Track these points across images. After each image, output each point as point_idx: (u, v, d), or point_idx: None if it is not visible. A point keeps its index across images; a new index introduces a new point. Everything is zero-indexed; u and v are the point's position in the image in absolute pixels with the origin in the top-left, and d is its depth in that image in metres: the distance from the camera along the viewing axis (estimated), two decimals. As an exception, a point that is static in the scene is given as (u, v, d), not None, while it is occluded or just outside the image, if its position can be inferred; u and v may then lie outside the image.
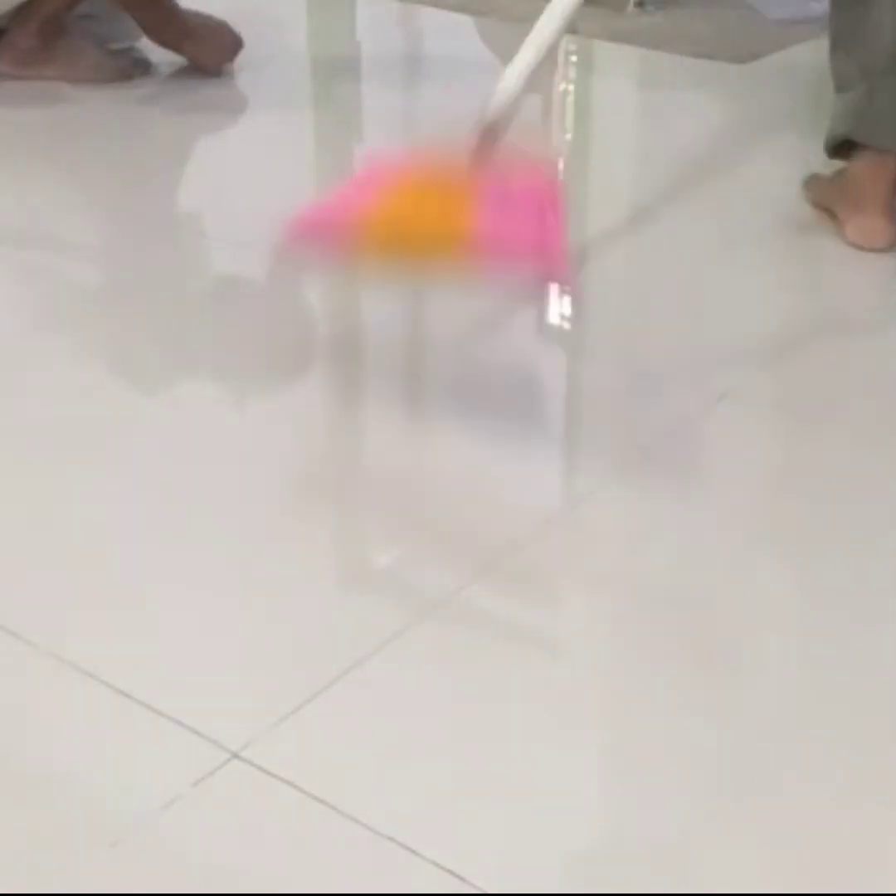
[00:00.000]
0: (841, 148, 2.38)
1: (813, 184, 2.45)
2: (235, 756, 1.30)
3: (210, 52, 3.01)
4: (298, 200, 1.91)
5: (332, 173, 2.75)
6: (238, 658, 1.43)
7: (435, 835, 1.22)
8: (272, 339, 2.05)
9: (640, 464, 1.75)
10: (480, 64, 3.19)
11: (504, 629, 1.49)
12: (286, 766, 1.29)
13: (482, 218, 1.74)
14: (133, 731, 1.34)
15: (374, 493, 1.77)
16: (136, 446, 1.78)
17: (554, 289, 1.82)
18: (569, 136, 2.95)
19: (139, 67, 3.04)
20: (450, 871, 1.19)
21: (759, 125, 2.82)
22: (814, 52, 3.13)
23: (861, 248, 2.27)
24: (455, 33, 3.39)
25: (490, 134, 1.83)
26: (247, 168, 2.64)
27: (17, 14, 2.94)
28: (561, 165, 2.19)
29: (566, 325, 2.20)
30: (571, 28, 3.23)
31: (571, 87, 3.18)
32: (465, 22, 3.40)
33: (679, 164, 2.64)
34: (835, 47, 2.41)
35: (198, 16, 3.04)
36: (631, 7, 3.43)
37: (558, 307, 2.23)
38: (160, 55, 3.04)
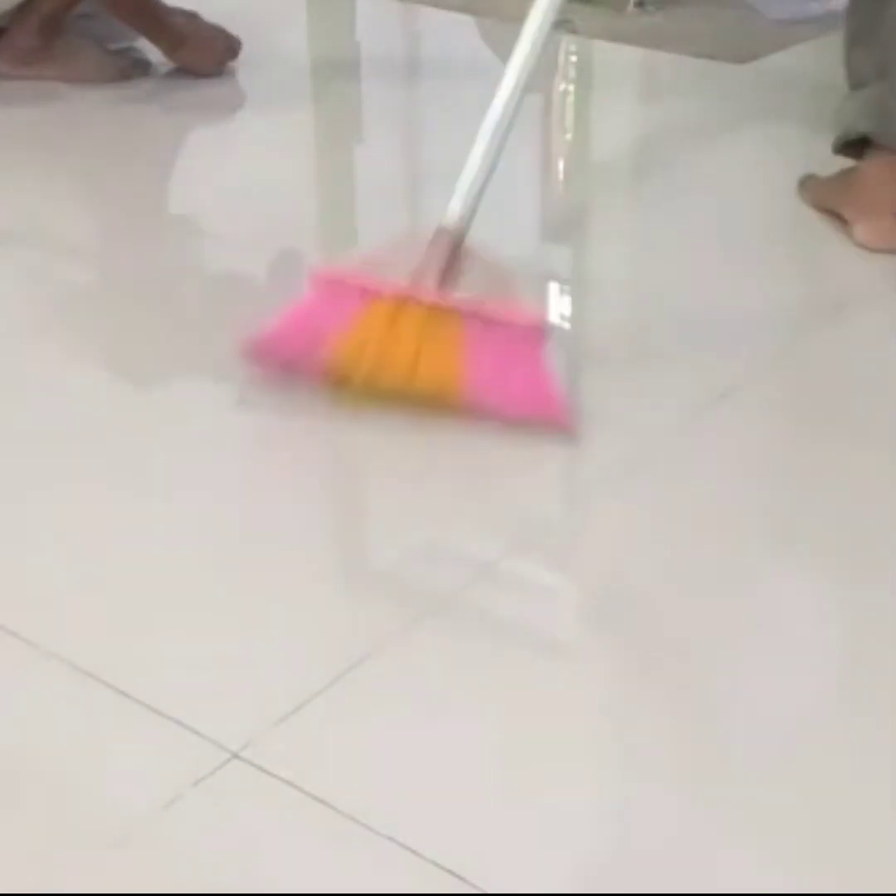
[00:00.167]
0: (852, 146, 2.34)
1: (811, 185, 2.43)
2: (235, 756, 1.30)
3: (204, 60, 3.01)
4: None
5: (332, 173, 2.75)
6: (238, 658, 1.43)
7: (435, 835, 1.22)
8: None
9: (640, 463, 1.75)
10: (481, 64, 3.19)
11: (504, 629, 1.49)
12: (286, 766, 1.29)
13: (466, 356, 1.67)
14: (133, 731, 1.34)
15: (373, 493, 1.77)
16: (134, 446, 1.78)
17: (555, 432, 1.71)
18: (569, 136, 2.95)
19: (138, 67, 3.04)
20: (450, 871, 1.19)
21: (759, 125, 2.82)
22: (814, 52, 3.14)
23: (872, 249, 2.24)
24: (455, 33, 3.39)
25: (455, 249, 1.75)
26: (246, 168, 2.64)
27: (17, 13, 2.94)
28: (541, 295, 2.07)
29: (566, 326, 2.20)
30: (571, 28, 3.24)
31: (571, 87, 3.18)
32: (465, 22, 3.40)
33: (679, 163, 2.64)
34: (852, 43, 2.36)
35: (191, 23, 3.03)
36: (631, 7, 3.43)
37: (557, 306, 2.23)
38: (159, 55, 3.04)
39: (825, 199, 2.37)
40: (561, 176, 2.80)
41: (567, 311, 2.27)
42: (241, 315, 2.05)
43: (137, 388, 1.97)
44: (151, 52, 3.06)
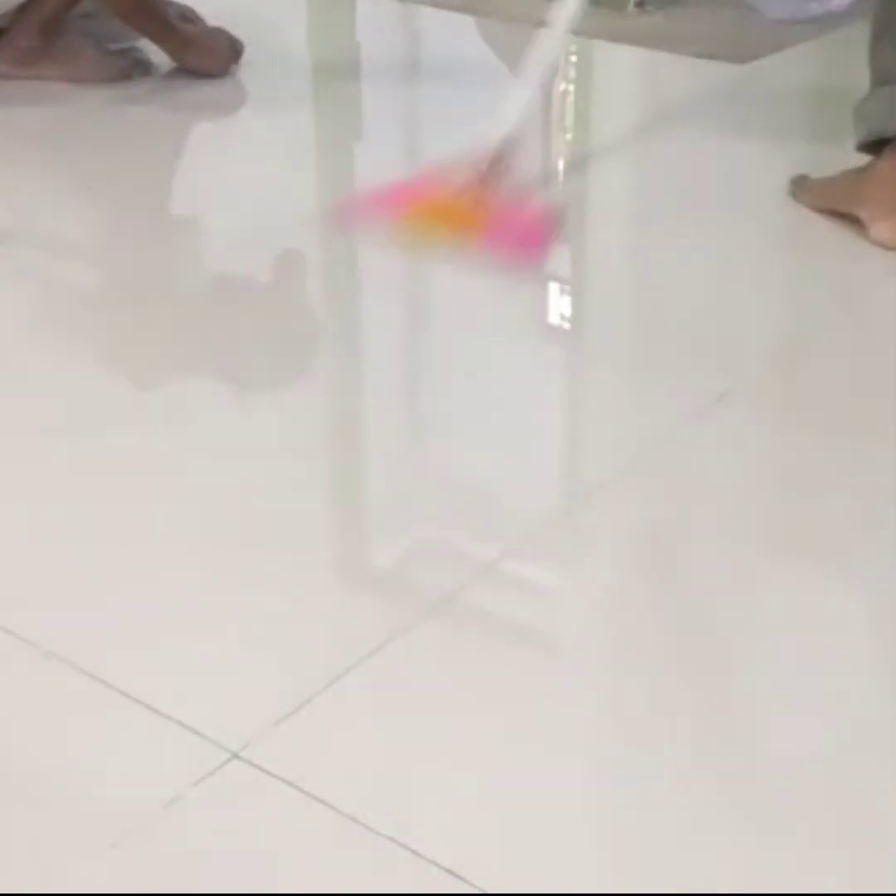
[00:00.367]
0: (870, 144, 2.30)
1: (809, 186, 2.40)
2: (235, 756, 1.30)
3: (209, 62, 3.01)
4: (302, 199, 2.23)
5: (332, 173, 2.75)
6: (238, 658, 1.43)
7: (435, 835, 1.22)
8: (272, 338, 2.05)
9: (640, 464, 1.75)
10: (481, 64, 3.20)
11: (504, 629, 1.49)
12: (286, 766, 1.29)
13: (487, 221, 2.10)
14: (133, 731, 1.34)
15: (374, 493, 1.77)
16: (135, 446, 1.78)
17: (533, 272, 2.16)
18: (569, 136, 2.95)
19: (139, 67, 3.04)
20: (450, 871, 1.19)
21: (758, 125, 2.82)
22: (814, 52, 3.14)
23: (891, 247, 2.20)
24: (455, 33, 3.39)
25: (496, 161, 2.10)
26: (246, 168, 2.64)
27: (18, 14, 2.94)
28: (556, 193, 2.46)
29: (566, 325, 2.21)
30: (571, 28, 3.24)
31: (571, 87, 3.18)
32: (465, 22, 3.40)
33: (679, 163, 2.64)
34: (877, 38, 2.32)
35: (195, 26, 3.04)
36: (631, 7, 3.43)
37: (557, 306, 2.23)
38: (160, 55, 3.04)
39: (832, 199, 2.34)
40: (561, 176, 2.80)
41: (567, 311, 2.27)
42: (241, 314, 2.05)
43: (137, 387, 1.97)
44: (152, 52, 3.06)
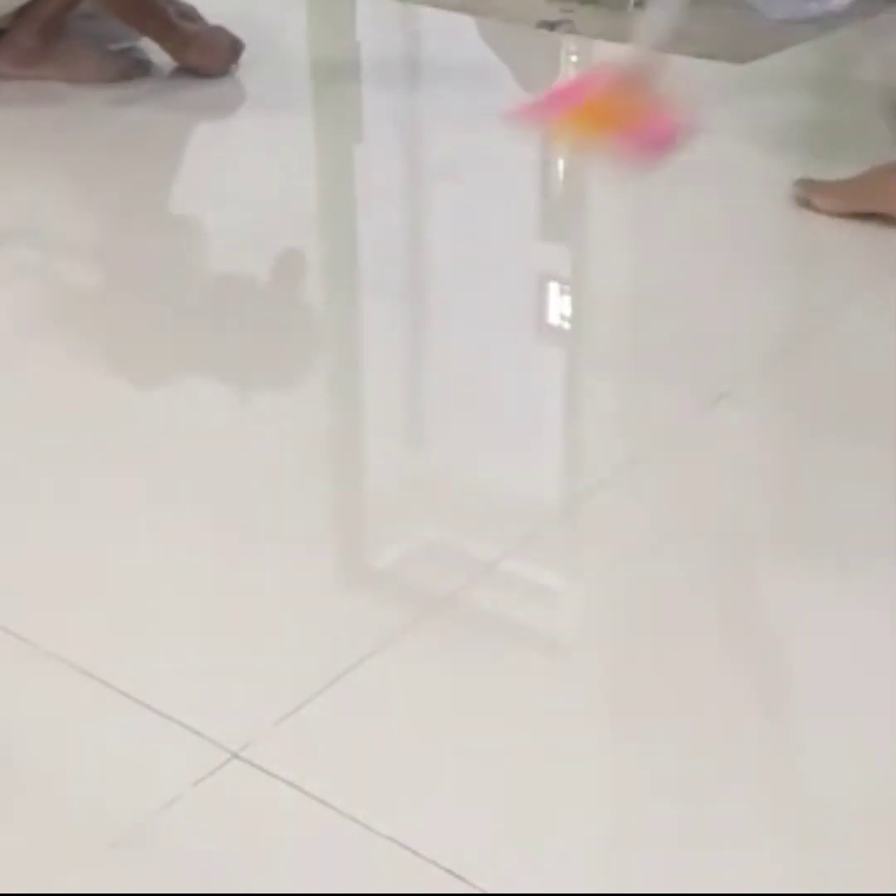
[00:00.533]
0: None
1: (824, 189, 2.36)
2: (235, 756, 1.30)
3: (211, 60, 3.02)
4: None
5: (331, 173, 2.75)
6: (238, 658, 1.43)
7: (435, 835, 1.22)
8: (273, 338, 2.05)
9: (640, 464, 1.75)
10: (481, 64, 3.20)
11: (504, 629, 1.49)
12: (286, 766, 1.29)
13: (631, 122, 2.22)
14: (133, 731, 1.34)
15: (374, 493, 1.77)
16: (135, 445, 1.78)
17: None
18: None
19: (139, 67, 3.04)
20: (450, 871, 1.19)
21: (758, 125, 2.81)
22: (814, 52, 3.14)
23: None
24: (455, 34, 3.39)
25: (642, 68, 2.19)
26: (246, 167, 2.64)
27: (18, 14, 2.94)
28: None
29: (566, 325, 2.21)
30: (571, 28, 3.25)
31: (571, 88, 3.18)
32: (465, 22, 3.40)
33: (678, 164, 2.63)
34: None
35: (195, 23, 3.05)
36: (631, 7, 3.42)
37: (558, 306, 2.23)
38: (160, 55, 3.04)
39: (858, 200, 2.30)
40: (561, 176, 2.80)
41: (567, 311, 2.27)
42: (241, 314, 2.05)
43: (138, 387, 1.97)
44: (153, 52, 3.06)
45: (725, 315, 2.12)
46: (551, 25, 3.28)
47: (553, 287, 2.32)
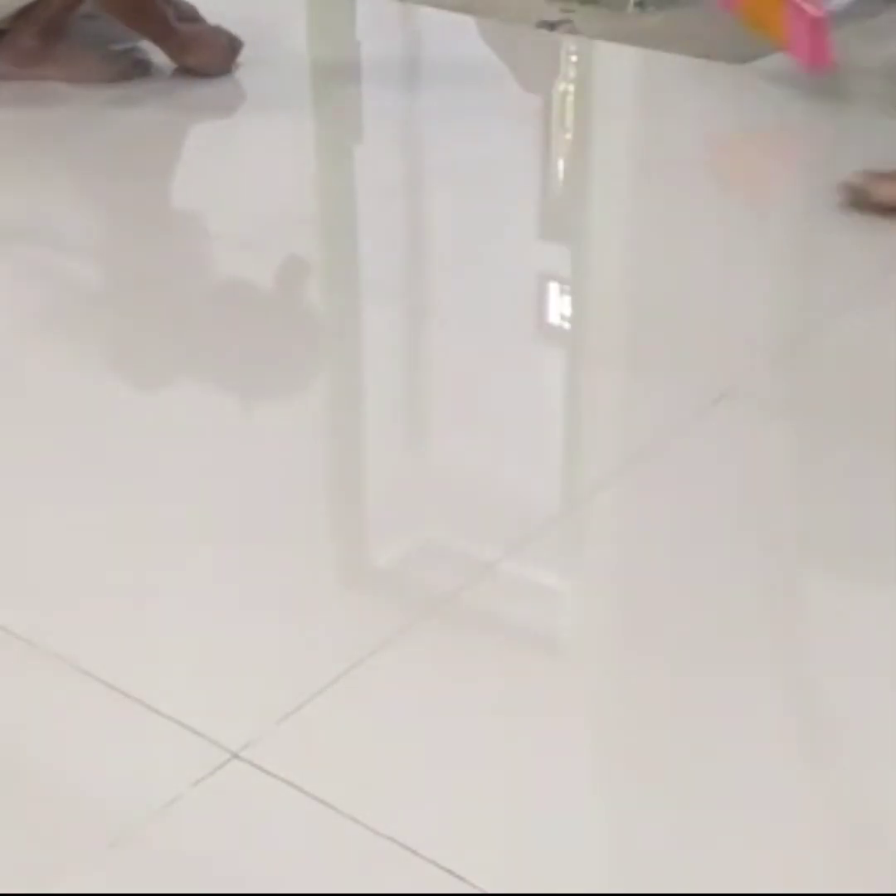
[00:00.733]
0: None
1: (882, 178, 2.31)
2: (235, 756, 1.30)
3: (210, 61, 3.02)
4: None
5: (331, 173, 2.75)
6: (238, 658, 1.43)
7: (435, 835, 1.22)
8: (273, 338, 2.05)
9: (640, 464, 1.75)
10: (481, 64, 3.20)
11: (504, 629, 1.49)
12: (286, 766, 1.29)
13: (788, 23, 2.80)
14: (133, 731, 1.34)
15: (374, 493, 1.77)
16: (136, 446, 1.78)
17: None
18: (569, 136, 2.95)
19: (139, 68, 3.04)
20: (450, 871, 1.19)
21: (758, 125, 2.82)
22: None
23: None
24: (455, 34, 3.38)
25: None
26: (246, 168, 2.64)
27: (19, 15, 2.94)
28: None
29: (566, 325, 2.21)
30: (571, 28, 3.24)
31: (571, 87, 3.18)
32: (465, 22, 3.40)
33: (679, 163, 2.64)
34: None
35: (193, 24, 3.05)
36: (631, 7, 3.43)
37: (558, 306, 2.23)
38: (160, 56, 3.04)
39: None
40: (561, 176, 2.80)
41: (567, 311, 2.27)
42: (241, 314, 2.05)
43: (139, 387, 1.97)
44: (153, 52, 3.06)
45: (726, 314, 2.12)
46: (551, 25, 3.28)
47: (553, 287, 2.32)
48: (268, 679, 1.40)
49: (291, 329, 2.12)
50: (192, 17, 3.10)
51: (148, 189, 2.60)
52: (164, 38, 2.99)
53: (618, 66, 3.27)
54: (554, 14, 3.32)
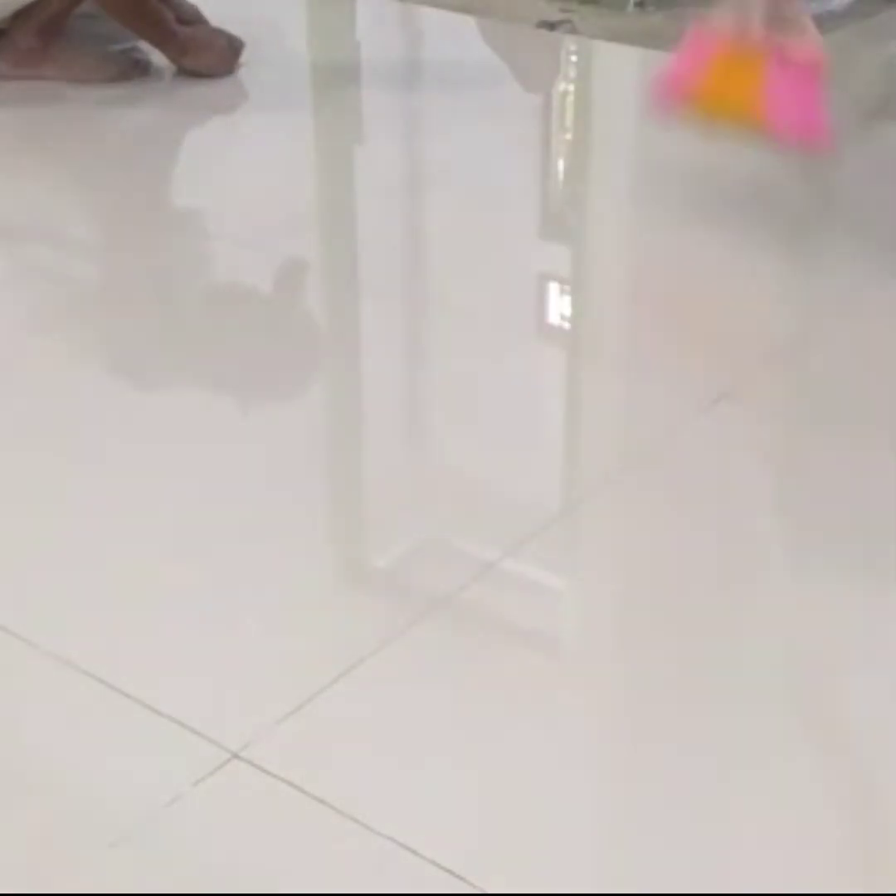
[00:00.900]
0: None
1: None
2: (235, 756, 1.30)
3: (212, 63, 3.02)
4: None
5: (332, 174, 2.75)
6: (238, 658, 1.43)
7: (435, 835, 1.22)
8: (272, 337, 2.05)
9: (640, 463, 1.75)
10: (482, 65, 3.19)
11: (504, 629, 1.49)
12: (286, 766, 1.29)
13: (767, 88, 2.16)
14: (133, 731, 1.34)
15: (374, 493, 1.77)
16: (135, 446, 1.78)
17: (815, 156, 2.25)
18: (569, 136, 2.95)
19: (138, 68, 3.04)
20: (450, 871, 1.19)
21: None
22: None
23: None
24: (456, 34, 3.38)
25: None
26: (246, 168, 2.64)
27: (18, 15, 2.94)
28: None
29: (566, 325, 2.21)
30: (571, 28, 3.24)
31: (571, 87, 3.18)
32: (465, 22, 3.40)
33: (679, 164, 2.63)
34: None
35: (193, 27, 3.05)
36: (631, 7, 3.43)
37: (557, 306, 2.23)
38: (161, 56, 3.04)
39: None
40: (561, 176, 2.80)
41: (567, 311, 2.27)
42: (241, 314, 2.05)
43: (138, 387, 1.97)
44: (153, 52, 3.06)
45: (725, 315, 2.12)
46: (551, 25, 3.28)
47: (553, 287, 2.32)
48: (268, 679, 1.40)
49: (291, 328, 2.12)
50: (195, 18, 3.10)
51: (147, 189, 2.60)
52: (164, 41, 2.99)
53: (618, 66, 3.27)
54: (554, 14, 3.32)
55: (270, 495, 1.69)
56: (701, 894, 1.17)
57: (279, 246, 2.33)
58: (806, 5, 3.07)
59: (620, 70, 3.27)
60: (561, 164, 2.86)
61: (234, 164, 2.69)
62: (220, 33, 3.05)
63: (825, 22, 3.18)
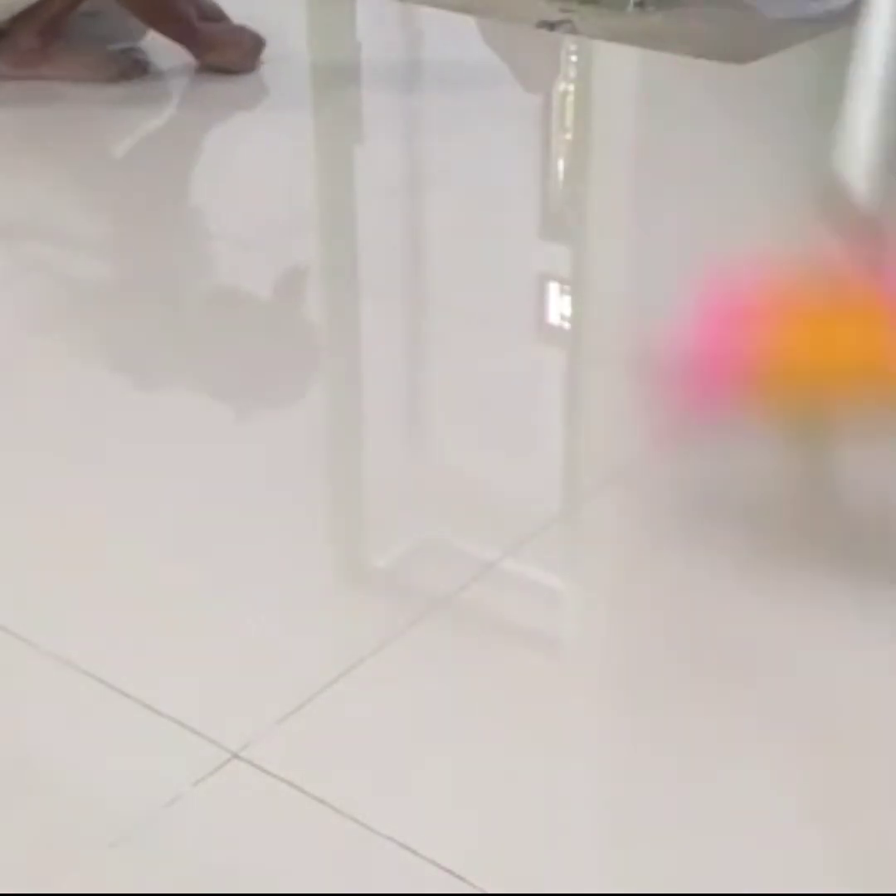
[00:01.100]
0: None
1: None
2: (235, 756, 1.30)
3: (233, 59, 3.03)
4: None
5: (333, 174, 2.75)
6: (238, 658, 1.43)
7: (435, 835, 1.22)
8: (272, 337, 2.05)
9: (640, 463, 1.75)
10: (482, 65, 3.20)
11: (504, 629, 1.49)
12: (286, 766, 1.29)
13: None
14: (133, 731, 1.34)
15: (374, 493, 1.77)
16: (135, 446, 1.78)
17: None
18: (569, 136, 2.95)
19: (139, 67, 3.04)
20: (450, 871, 1.19)
21: (759, 125, 2.81)
22: (814, 52, 3.14)
23: None
24: (456, 34, 3.39)
25: (870, 232, 1.56)
26: (247, 167, 2.64)
27: (19, 15, 2.94)
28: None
29: (566, 325, 2.21)
30: (571, 28, 3.24)
31: (571, 87, 3.18)
32: (465, 22, 3.40)
33: (679, 164, 2.64)
34: None
35: (215, 25, 3.07)
36: (631, 7, 3.43)
37: (557, 306, 2.23)
38: (160, 56, 3.04)
39: None
40: (561, 176, 2.80)
41: (567, 311, 2.27)
42: (241, 314, 2.04)
43: (138, 387, 1.97)
44: (152, 52, 3.07)
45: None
46: (551, 25, 3.28)
47: (553, 287, 2.32)
48: (268, 679, 1.40)
49: (291, 328, 2.12)
50: (217, 16, 3.12)
51: (148, 189, 2.60)
52: (187, 37, 3.00)
53: (618, 66, 3.27)
54: (554, 14, 3.33)
55: (270, 495, 1.69)
56: (700, 894, 1.17)
57: (279, 246, 2.34)
58: (806, 5, 3.09)
59: (620, 70, 3.28)
60: (561, 164, 2.86)
61: (235, 163, 2.69)
62: (243, 31, 3.08)
63: (825, 22, 3.19)
